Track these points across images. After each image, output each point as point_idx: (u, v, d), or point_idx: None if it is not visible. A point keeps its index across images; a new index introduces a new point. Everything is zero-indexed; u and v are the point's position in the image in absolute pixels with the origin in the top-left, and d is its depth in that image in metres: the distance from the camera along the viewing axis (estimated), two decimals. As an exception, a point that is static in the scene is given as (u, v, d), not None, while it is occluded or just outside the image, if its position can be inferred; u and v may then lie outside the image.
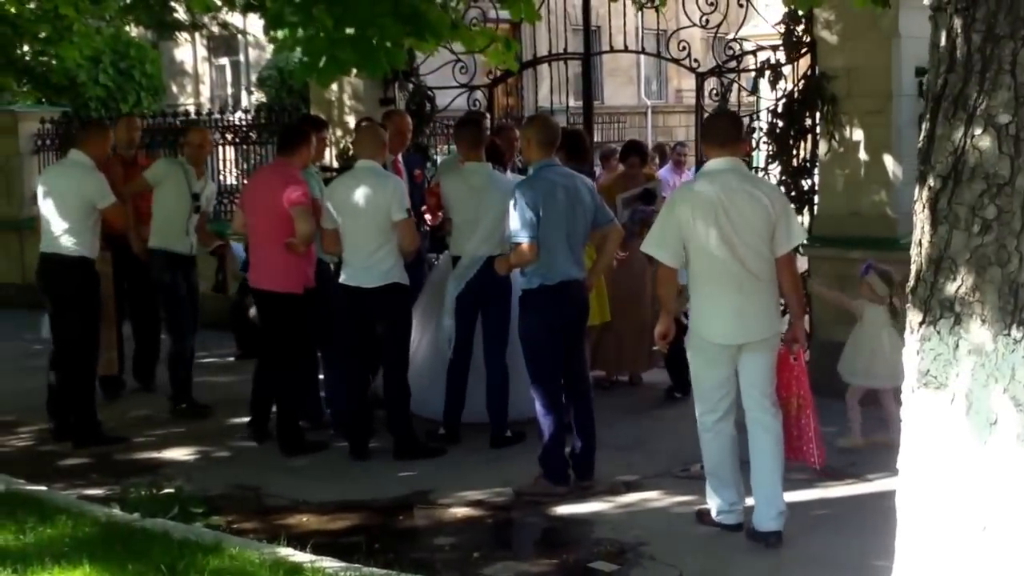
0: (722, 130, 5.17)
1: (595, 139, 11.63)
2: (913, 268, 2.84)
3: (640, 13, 7.83)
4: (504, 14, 7.80)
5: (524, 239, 5.74)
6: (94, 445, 6.97)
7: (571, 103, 13.32)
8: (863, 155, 7.42)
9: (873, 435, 6.32)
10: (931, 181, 2.74)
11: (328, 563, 4.66)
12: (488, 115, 9.04)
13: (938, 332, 2.73)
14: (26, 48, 11.26)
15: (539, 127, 6.04)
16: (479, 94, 9.39)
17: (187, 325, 7.81)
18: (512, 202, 5.85)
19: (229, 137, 11.73)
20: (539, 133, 5.96)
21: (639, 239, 7.98)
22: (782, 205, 5.11)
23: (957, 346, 2.70)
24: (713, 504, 5.24)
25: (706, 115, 7.82)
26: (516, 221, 5.78)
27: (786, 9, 7.75)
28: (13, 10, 10.00)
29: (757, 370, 5.08)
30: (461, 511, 5.73)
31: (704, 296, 5.07)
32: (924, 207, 2.77)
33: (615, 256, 6.54)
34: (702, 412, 5.21)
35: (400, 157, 7.62)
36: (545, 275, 5.81)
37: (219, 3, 11.63)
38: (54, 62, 11.64)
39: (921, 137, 2.81)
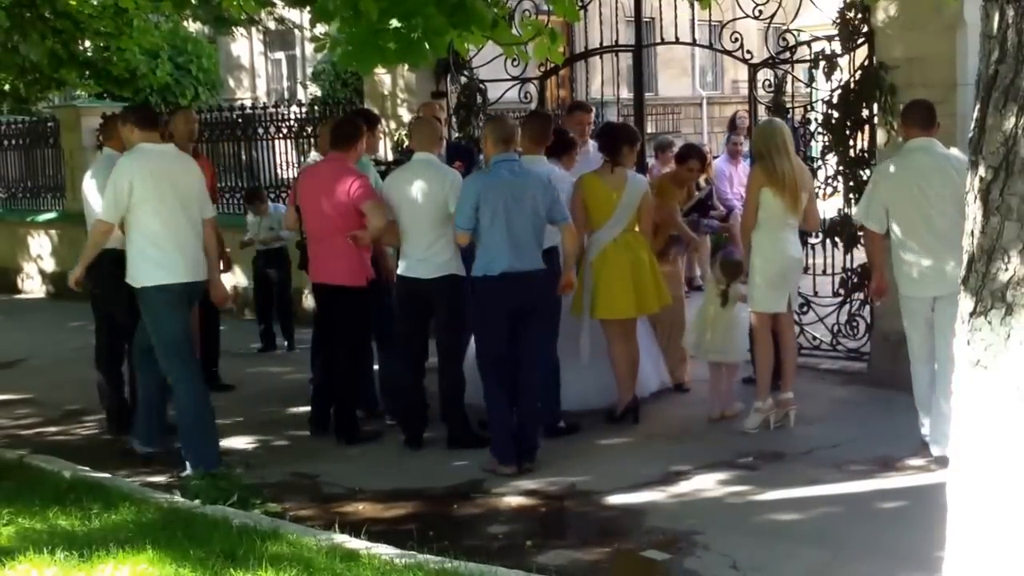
0: (919, 115, 6.08)
1: (649, 131, 11.60)
2: (965, 258, 2.83)
3: (693, 5, 7.79)
4: (556, 6, 7.81)
5: (458, 229, 6.23)
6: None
7: (623, 95, 13.30)
8: (926, 145, 7.34)
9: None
10: (982, 171, 2.74)
11: (383, 549, 4.73)
12: (543, 108, 9.07)
13: (989, 322, 2.73)
14: (87, 44, 11.47)
15: (496, 125, 6.45)
16: (531, 86, 9.42)
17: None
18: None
19: (284, 131, 11.86)
20: (495, 131, 6.34)
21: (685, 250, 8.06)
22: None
23: (1008, 336, 2.70)
24: (925, 427, 6.13)
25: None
26: (458, 209, 6.22)
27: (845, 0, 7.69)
28: (73, 2, 10.19)
29: (947, 318, 5.77)
30: (515, 500, 5.78)
31: (902, 257, 6.03)
32: (976, 197, 2.77)
33: (575, 252, 6.51)
34: (911, 357, 6.17)
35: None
36: (487, 266, 6.17)
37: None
38: (115, 58, 11.84)
39: (972, 127, 2.81)
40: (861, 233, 7.45)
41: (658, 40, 9.20)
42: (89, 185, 7.13)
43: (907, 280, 6.06)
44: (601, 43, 9.47)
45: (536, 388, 6.36)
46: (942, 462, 5.61)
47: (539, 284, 6.29)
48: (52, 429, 7.50)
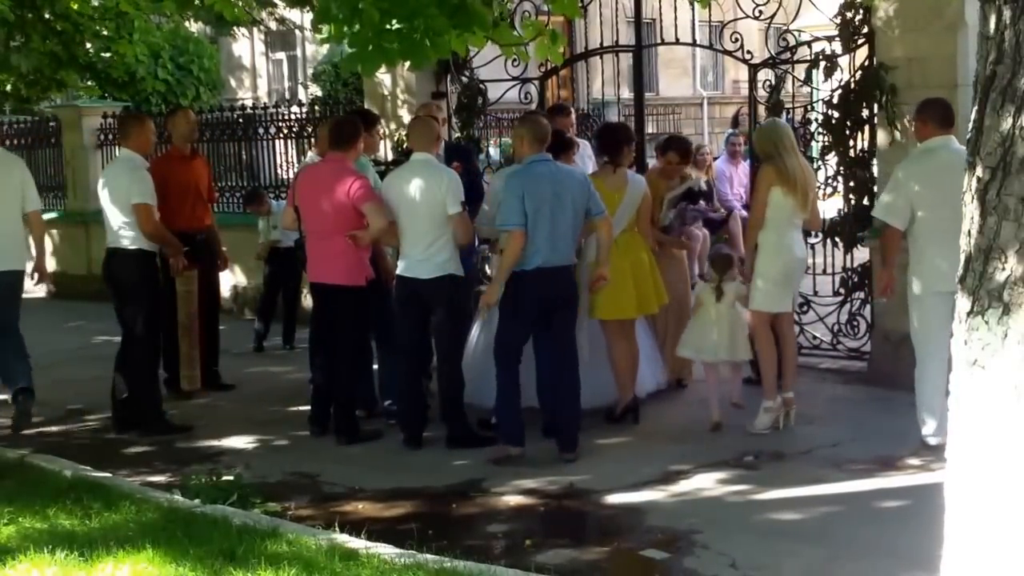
0: (938, 113, 6.11)
1: (650, 131, 11.59)
2: (962, 258, 2.85)
3: (693, 6, 7.79)
4: (557, 7, 7.81)
5: (512, 227, 6.17)
6: (160, 434, 7.13)
7: (624, 95, 13.29)
8: (927, 146, 7.33)
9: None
10: (979, 172, 2.75)
11: (383, 549, 4.73)
12: (542, 109, 9.06)
13: (986, 322, 2.74)
14: (88, 45, 11.49)
15: (532, 125, 6.45)
16: (531, 87, 9.42)
17: None
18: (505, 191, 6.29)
19: (285, 131, 11.86)
20: (531, 131, 6.37)
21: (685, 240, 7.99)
22: None
23: (1006, 336, 2.71)
24: (927, 427, 6.09)
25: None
26: (505, 209, 6.20)
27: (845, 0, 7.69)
28: (75, 6, 10.20)
29: None
30: (514, 499, 5.78)
31: (929, 253, 5.97)
32: (973, 198, 2.78)
33: (611, 244, 6.62)
34: (923, 355, 6.08)
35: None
36: (524, 260, 6.19)
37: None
38: (115, 58, 11.88)
39: (969, 127, 2.82)
40: (862, 234, 7.45)
41: (659, 40, 9.20)
42: (111, 184, 7.36)
43: (935, 275, 5.93)
44: (601, 43, 9.47)
45: (576, 387, 6.41)
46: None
47: (569, 277, 6.44)
48: (53, 429, 7.50)
